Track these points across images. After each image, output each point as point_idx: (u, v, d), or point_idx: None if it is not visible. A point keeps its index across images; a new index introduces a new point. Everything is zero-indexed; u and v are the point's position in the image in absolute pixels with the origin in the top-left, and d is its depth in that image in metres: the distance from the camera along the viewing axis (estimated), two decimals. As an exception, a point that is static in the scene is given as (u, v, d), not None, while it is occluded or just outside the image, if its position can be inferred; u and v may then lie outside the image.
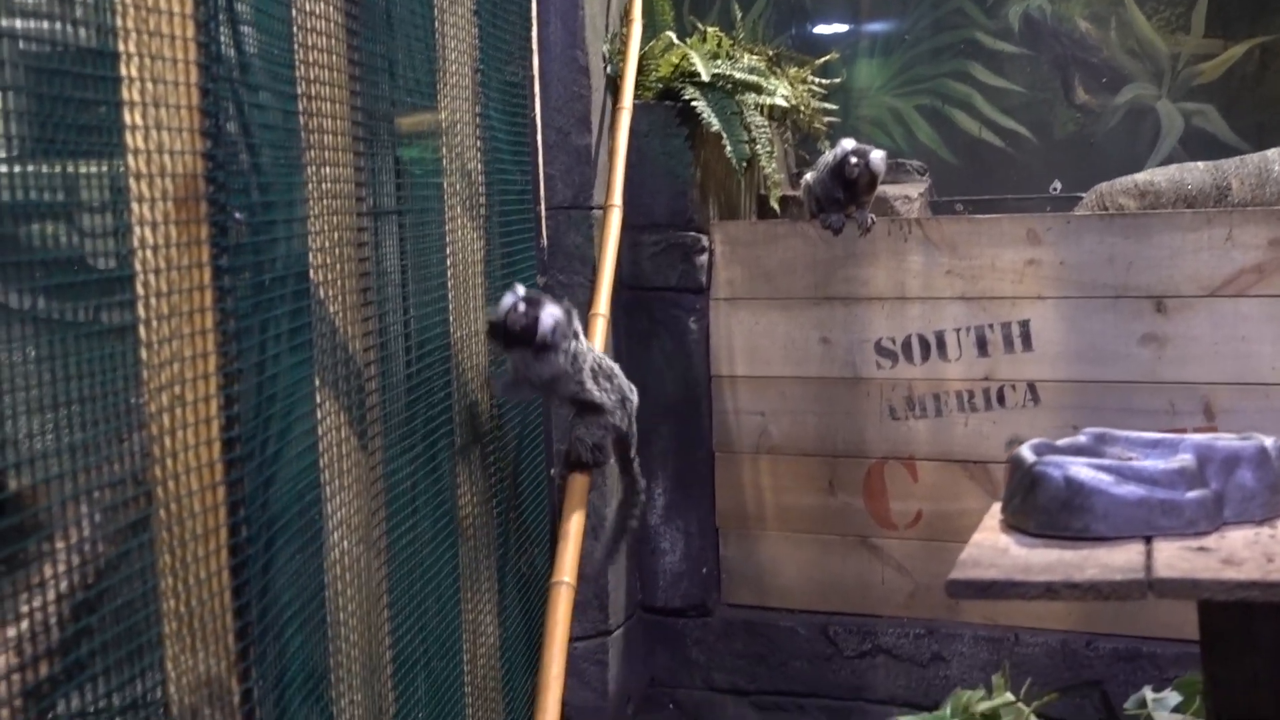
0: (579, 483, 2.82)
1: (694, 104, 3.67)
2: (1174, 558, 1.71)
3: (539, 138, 3.42)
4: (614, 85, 3.67)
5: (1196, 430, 3.30)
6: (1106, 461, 1.91)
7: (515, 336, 2.54)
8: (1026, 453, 1.97)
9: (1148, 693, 2.39)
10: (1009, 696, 2.13)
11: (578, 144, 3.54)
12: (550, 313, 2.53)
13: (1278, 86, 4.23)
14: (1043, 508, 1.88)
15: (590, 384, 2.71)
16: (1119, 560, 1.71)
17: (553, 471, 3.34)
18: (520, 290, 2.58)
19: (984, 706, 2.11)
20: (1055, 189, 4.44)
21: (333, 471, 2.03)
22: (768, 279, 3.74)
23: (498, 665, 2.85)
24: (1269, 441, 1.97)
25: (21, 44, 1.34)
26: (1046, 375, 3.52)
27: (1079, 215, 3.59)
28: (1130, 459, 1.97)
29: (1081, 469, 1.87)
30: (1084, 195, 4.05)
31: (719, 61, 3.79)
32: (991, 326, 3.55)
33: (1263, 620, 1.76)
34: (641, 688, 3.86)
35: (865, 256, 3.65)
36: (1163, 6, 4.32)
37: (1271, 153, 3.88)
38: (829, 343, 3.70)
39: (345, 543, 2.02)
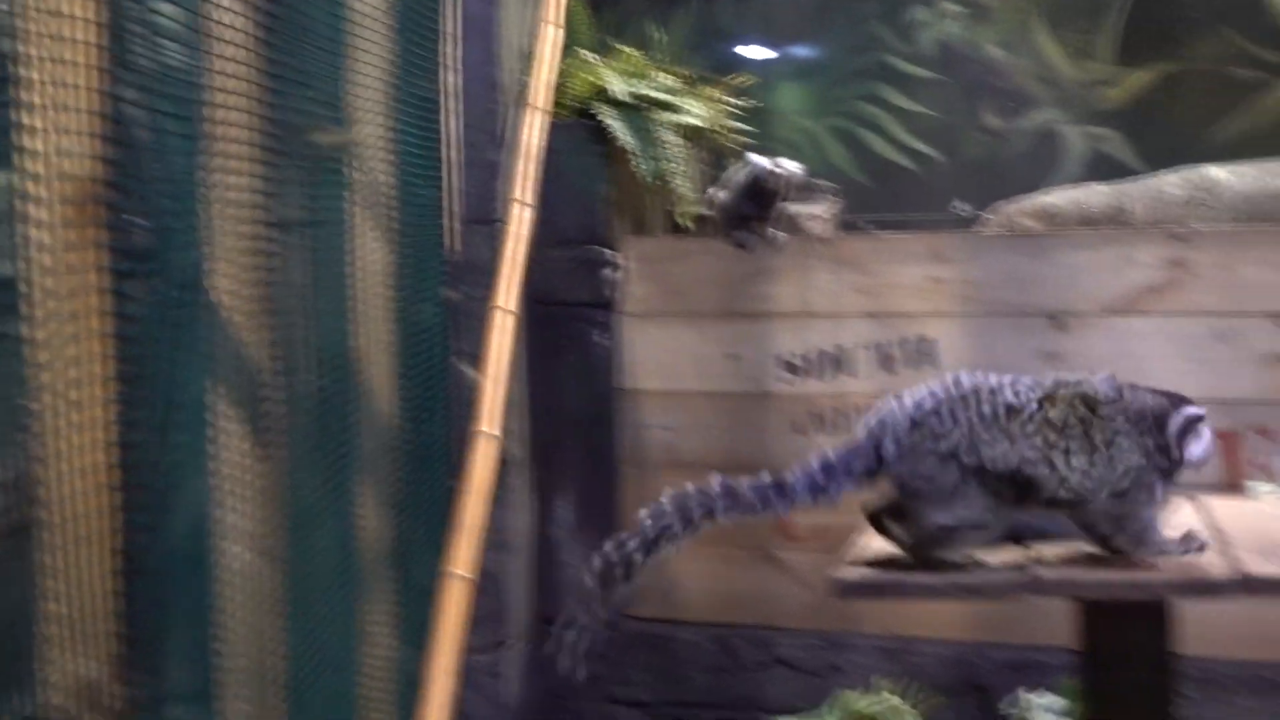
0: (481, 472, 2.79)
1: (608, 122, 3.70)
2: (1053, 558, 1.75)
3: (451, 152, 3.43)
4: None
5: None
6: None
7: None
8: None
9: (1023, 694, 2.43)
10: (889, 697, 2.16)
11: (489, 159, 3.55)
12: None
13: (1180, 113, 4.32)
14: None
15: None
16: (1001, 561, 1.75)
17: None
18: None
19: (863, 704, 2.14)
20: (961, 209, 4.51)
21: (228, 480, 2.02)
22: (678, 295, 3.77)
23: (394, 678, 2.83)
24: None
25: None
26: (949, 391, 3.56)
27: (982, 234, 3.65)
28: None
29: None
30: (988, 215, 4.12)
31: (635, 81, 3.82)
32: (895, 343, 3.60)
33: (1140, 625, 1.80)
34: (540, 701, 3.85)
35: (773, 273, 3.69)
36: (1072, 34, 4.40)
37: (1170, 176, 3.97)
38: (737, 358, 3.73)
39: (239, 550, 2.01)
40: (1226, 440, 3.38)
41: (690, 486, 1.84)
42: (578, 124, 3.74)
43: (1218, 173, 3.89)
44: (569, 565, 3.83)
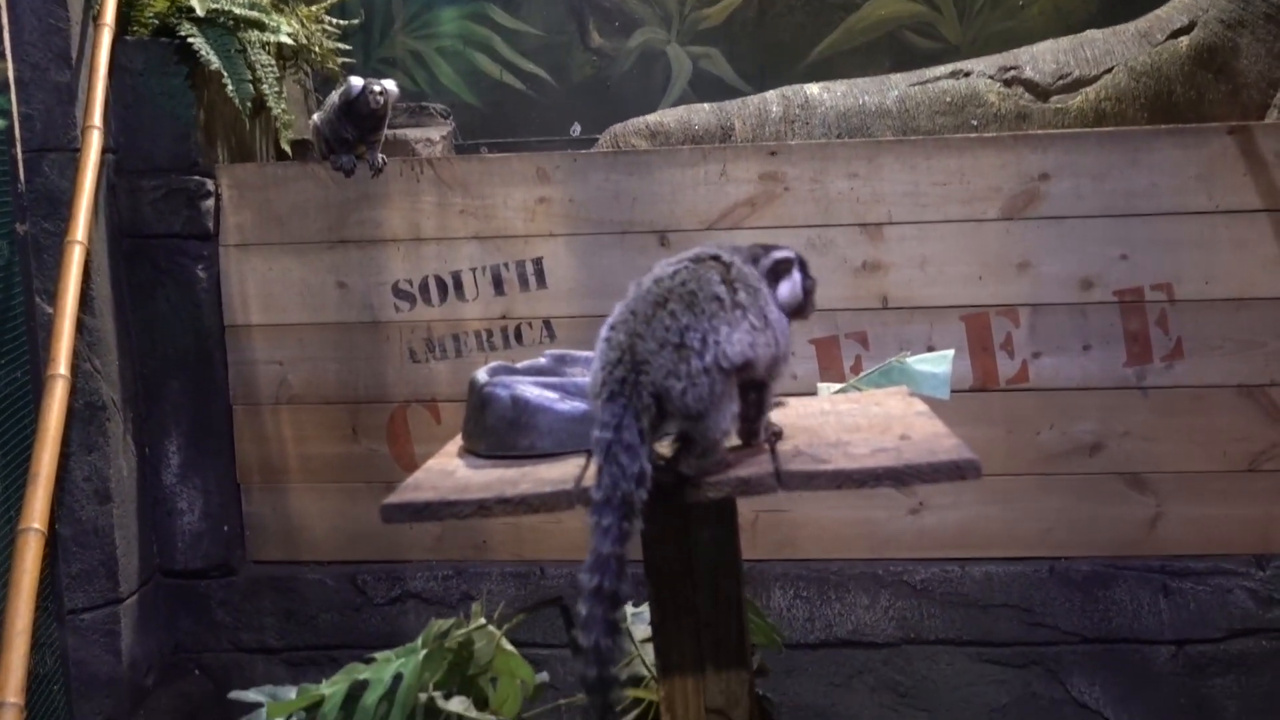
0: (51, 418, 2.60)
1: (191, 41, 3.48)
2: (608, 467, 1.74)
3: (10, 74, 3.16)
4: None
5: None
6: (554, 380, 1.93)
7: None
8: (480, 375, 1.96)
9: (628, 608, 2.45)
10: (481, 621, 2.13)
11: (57, 81, 3.28)
12: None
13: (775, 31, 4.44)
14: (491, 429, 1.88)
15: None
16: (555, 474, 1.73)
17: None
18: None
19: (459, 634, 2.10)
20: (575, 132, 4.51)
21: None
22: (279, 224, 3.61)
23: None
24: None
25: None
26: (561, 311, 3.57)
27: (585, 153, 3.64)
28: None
29: (528, 388, 1.88)
30: (600, 137, 4.14)
31: (218, -4, 3.61)
32: (507, 265, 3.57)
33: (700, 522, 1.81)
34: (163, 656, 3.67)
35: (379, 198, 3.59)
36: (672, -46, 4.45)
37: (771, 94, 4.07)
38: (345, 287, 3.62)
39: None
40: (824, 345, 3.51)
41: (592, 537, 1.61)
42: (156, 43, 3.51)
43: (813, 90, 4.02)
44: (183, 512, 3.66)
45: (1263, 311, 3.39)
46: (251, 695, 2.27)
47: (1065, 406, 3.46)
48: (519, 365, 2.07)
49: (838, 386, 2.38)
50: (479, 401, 1.91)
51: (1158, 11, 4.11)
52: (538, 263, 3.56)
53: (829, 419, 1.99)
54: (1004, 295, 3.45)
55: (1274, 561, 3.43)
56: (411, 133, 4.14)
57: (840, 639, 3.57)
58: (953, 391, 2.44)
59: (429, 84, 4.56)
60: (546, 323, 3.57)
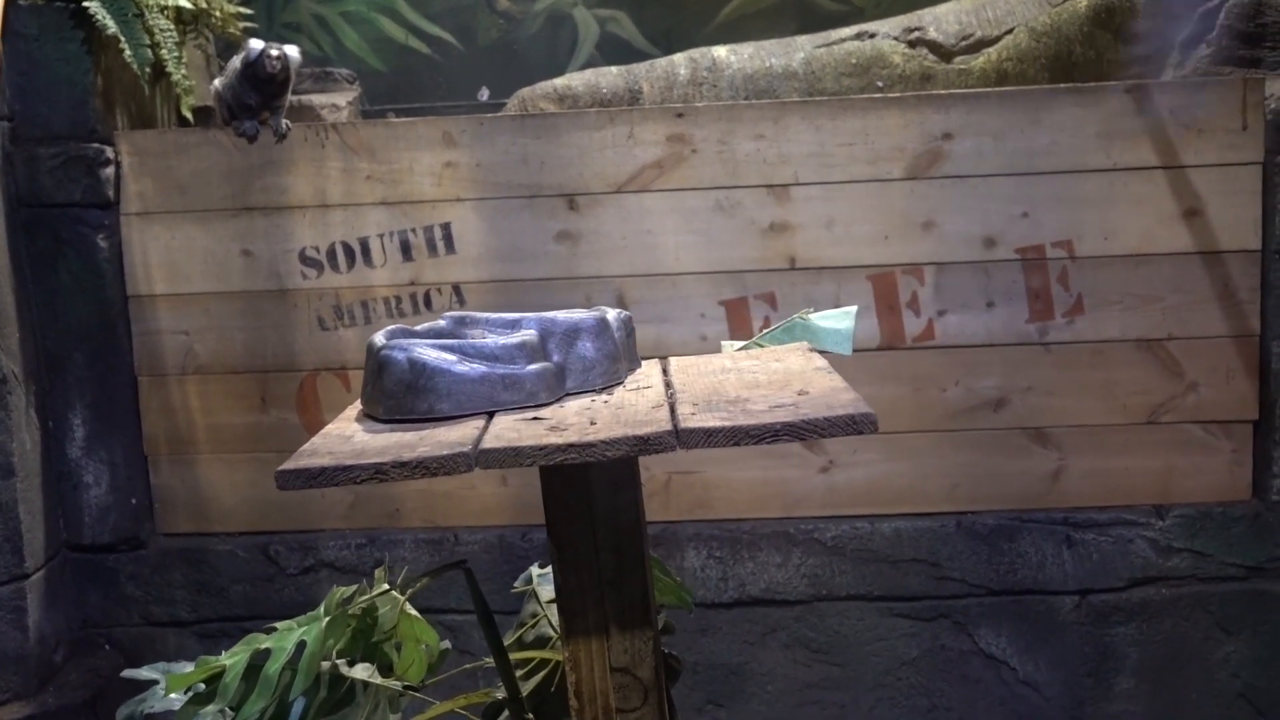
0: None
1: (87, 5, 3.41)
2: (506, 429, 1.73)
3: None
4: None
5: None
6: (452, 342, 1.92)
7: None
8: (378, 338, 1.94)
9: (534, 570, 2.46)
10: (385, 587, 2.13)
11: (-53, 47, 3.21)
12: None
13: (685, -6, 4.44)
14: (390, 392, 1.87)
15: None
16: (454, 436, 1.72)
17: None
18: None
19: (362, 600, 2.10)
20: (483, 96, 4.48)
21: None
22: (182, 191, 3.56)
23: None
24: (611, 314, 2.05)
25: None
26: (470, 277, 3.55)
27: (492, 117, 3.62)
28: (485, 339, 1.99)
29: (426, 350, 1.87)
30: (508, 101, 4.11)
31: (114, -40, 3.53)
32: (414, 230, 3.54)
33: (602, 483, 1.82)
34: (73, 631, 3.63)
35: (284, 164, 3.54)
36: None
37: (678, 57, 4.07)
38: (251, 255, 3.57)
39: None
40: (734, 306, 3.53)
41: None
42: (50, 7, 3.43)
43: (720, 52, 4.02)
44: (90, 486, 3.61)
45: (1160, 267, 3.45)
46: (145, 673, 2.25)
47: (970, 363, 3.52)
48: (419, 328, 2.06)
49: (740, 344, 2.40)
50: (376, 365, 1.90)
51: (1059, -28, 4.15)
52: (446, 228, 3.54)
53: (729, 376, 2.00)
54: (910, 254, 3.49)
55: (1173, 511, 3.51)
56: (317, 99, 4.09)
57: (753, 597, 3.61)
58: (861, 350, 2.48)
59: (334, 49, 4.50)
60: (456, 288, 3.56)
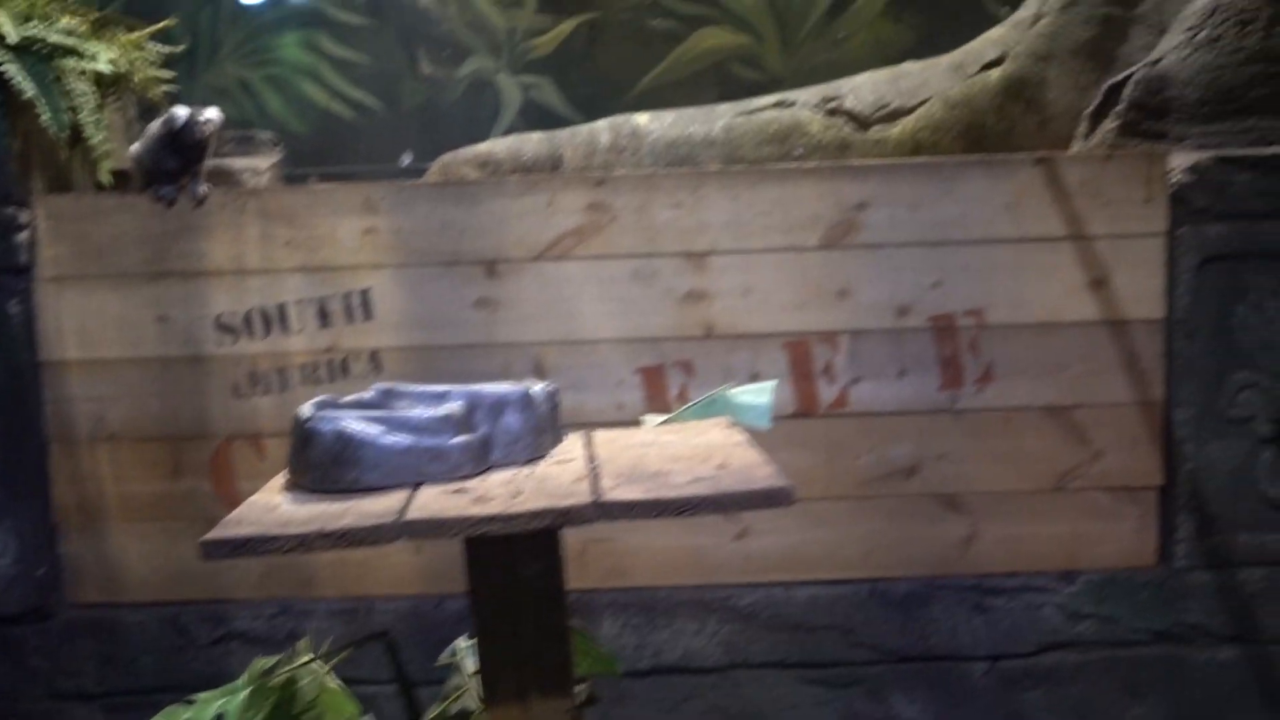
0: None
1: (4, 69, 3.39)
2: (430, 500, 1.75)
3: None
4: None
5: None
6: (378, 414, 1.93)
7: None
8: (305, 409, 1.95)
9: (461, 642, 2.46)
10: (306, 658, 2.11)
11: None
12: None
13: (605, 61, 4.50)
14: (316, 463, 1.87)
15: None
16: (379, 507, 1.73)
17: None
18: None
19: (283, 672, 2.08)
20: (406, 161, 4.50)
21: None
22: (98, 256, 3.53)
23: None
24: (536, 387, 2.07)
25: None
26: (388, 343, 3.55)
27: (413, 184, 3.64)
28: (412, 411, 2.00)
29: (352, 423, 1.88)
30: (430, 166, 4.14)
31: (31, 23, 3.52)
32: (333, 297, 3.54)
33: (524, 554, 1.84)
34: (-25, 705, 3.54)
35: (201, 230, 3.53)
36: (501, -18, 4.48)
37: (600, 124, 4.13)
38: (167, 320, 3.54)
39: None
40: (650, 374, 3.56)
41: None
42: (-34, 71, 3.41)
43: (642, 119, 4.09)
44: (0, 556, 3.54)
45: (1067, 336, 3.54)
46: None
47: (883, 431, 3.57)
48: (345, 399, 2.07)
49: (662, 418, 2.43)
50: (303, 436, 1.90)
51: (971, 44, 4.28)
52: (364, 294, 3.54)
53: (651, 450, 2.03)
54: (824, 322, 3.55)
55: (1081, 577, 3.58)
56: (238, 162, 4.08)
57: (669, 665, 3.61)
58: (776, 418, 2.51)
59: (256, 112, 4.50)
60: (373, 354, 3.55)
